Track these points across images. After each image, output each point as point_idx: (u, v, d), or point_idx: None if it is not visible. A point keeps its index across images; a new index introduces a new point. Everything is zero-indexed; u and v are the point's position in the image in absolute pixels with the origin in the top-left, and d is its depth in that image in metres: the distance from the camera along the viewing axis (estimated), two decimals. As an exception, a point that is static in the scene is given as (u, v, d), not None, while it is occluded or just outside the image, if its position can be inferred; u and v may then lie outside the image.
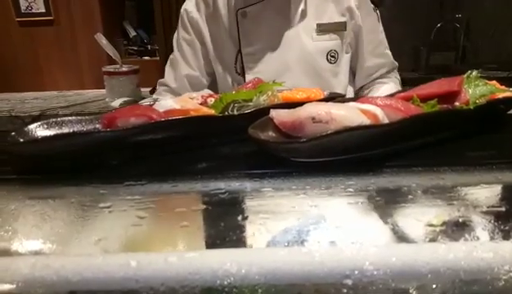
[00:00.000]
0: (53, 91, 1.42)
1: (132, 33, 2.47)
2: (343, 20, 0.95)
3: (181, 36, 1.04)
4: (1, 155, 0.45)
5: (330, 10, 0.94)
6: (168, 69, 1.10)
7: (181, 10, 1.04)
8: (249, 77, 0.93)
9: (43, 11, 2.09)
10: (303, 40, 0.93)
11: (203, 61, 1.03)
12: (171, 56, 1.11)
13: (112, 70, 1.48)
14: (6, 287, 0.30)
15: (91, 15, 2.11)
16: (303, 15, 0.94)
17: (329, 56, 0.95)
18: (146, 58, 2.44)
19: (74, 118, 0.48)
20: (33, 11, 2.10)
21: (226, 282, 0.30)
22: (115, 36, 2.23)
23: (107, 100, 1.52)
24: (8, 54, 2.07)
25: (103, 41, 1.48)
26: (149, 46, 2.49)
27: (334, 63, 0.95)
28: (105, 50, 1.49)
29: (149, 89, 1.56)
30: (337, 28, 0.94)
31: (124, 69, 1.48)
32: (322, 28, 0.94)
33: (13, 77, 2.00)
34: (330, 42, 0.94)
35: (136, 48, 2.48)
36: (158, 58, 2.34)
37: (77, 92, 1.42)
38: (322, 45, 0.94)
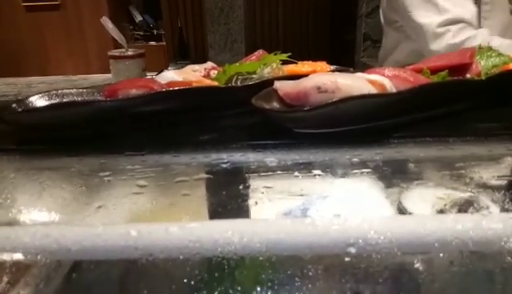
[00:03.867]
0: (59, 76, 1.42)
1: (138, 18, 2.47)
2: None
3: None
4: (1, 125, 0.44)
5: None
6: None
7: None
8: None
9: (49, -5, 2.09)
10: None
11: None
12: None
13: (118, 54, 1.48)
14: (7, 255, 0.30)
15: (97, 0, 2.10)
16: None
17: None
18: (152, 43, 2.44)
19: (74, 90, 0.48)
20: (40, -5, 2.11)
21: (227, 250, 0.29)
22: (121, 21, 2.22)
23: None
24: (15, 39, 2.08)
25: (109, 25, 1.47)
26: (155, 31, 2.48)
27: None
28: (111, 34, 1.48)
29: (155, 73, 1.56)
30: None
31: (130, 52, 1.48)
32: None
33: (20, 61, 2.01)
34: None
35: (142, 33, 2.48)
36: (164, 43, 2.34)
37: (82, 77, 1.41)
38: None
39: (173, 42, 2.09)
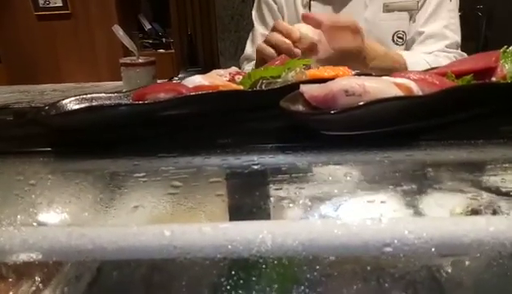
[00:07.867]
0: (71, 83, 1.44)
1: (148, 26, 2.50)
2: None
3: (262, 10, 1.04)
4: (35, 128, 0.45)
5: None
6: (249, 42, 1.10)
7: None
8: None
9: (60, 4, 2.12)
10: (368, 19, 0.89)
11: None
12: (251, 32, 1.11)
13: (129, 62, 1.49)
14: (44, 255, 0.30)
15: (107, 9, 2.13)
16: None
17: (395, 37, 0.90)
18: (161, 51, 2.46)
19: (103, 94, 0.48)
20: (51, 4, 2.14)
21: (263, 250, 0.30)
22: (131, 29, 2.25)
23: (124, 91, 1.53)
24: (27, 47, 2.11)
25: (120, 33, 1.48)
26: (164, 39, 2.51)
27: (401, 45, 0.90)
28: (122, 41, 1.50)
29: (165, 81, 1.57)
30: (407, 8, 0.89)
31: (141, 60, 1.49)
32: (389, 8, 0.89)
33: (32, 69, 2.05)
34: (397, 21, 0.89)
35: (151, 41, 2.51)
36: (173, 50, 2.36)
37: (94, 84, 1.43)
38: (388, 25, 0.89)
39: (182, 50, 2.11)
